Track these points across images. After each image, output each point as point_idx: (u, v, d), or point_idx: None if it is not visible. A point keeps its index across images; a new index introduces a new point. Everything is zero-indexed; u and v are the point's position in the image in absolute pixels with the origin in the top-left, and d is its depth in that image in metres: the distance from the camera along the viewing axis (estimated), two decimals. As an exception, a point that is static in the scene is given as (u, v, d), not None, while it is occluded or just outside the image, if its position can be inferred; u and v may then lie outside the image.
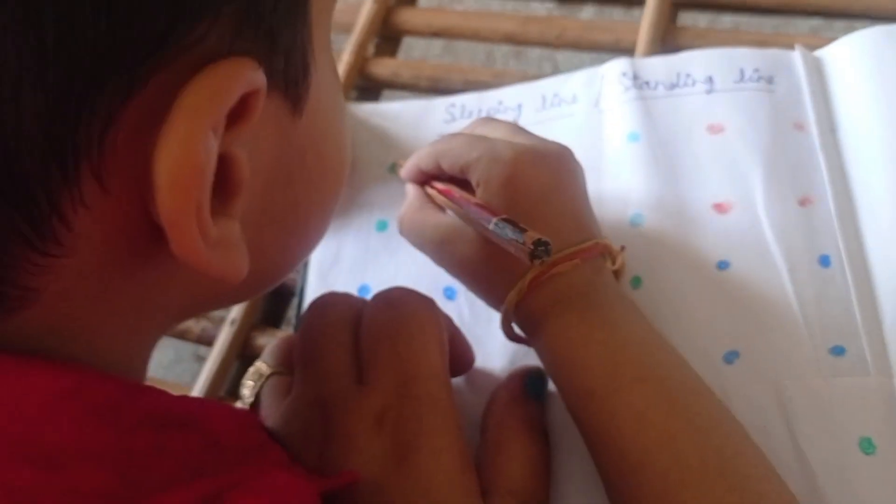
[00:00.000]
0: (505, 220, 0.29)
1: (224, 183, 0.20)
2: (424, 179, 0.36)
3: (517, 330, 0.33)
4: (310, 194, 0.25)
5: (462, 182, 0.34)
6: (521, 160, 0.32)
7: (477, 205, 0.31)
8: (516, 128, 0.35)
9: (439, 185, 0.35)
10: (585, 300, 0.30)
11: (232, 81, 0.18)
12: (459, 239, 0.32)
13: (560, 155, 0.34)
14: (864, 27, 0.41)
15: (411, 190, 0.37)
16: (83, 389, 0.20)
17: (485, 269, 0.32)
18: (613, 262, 0.33)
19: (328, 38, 0.25)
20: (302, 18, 0.21)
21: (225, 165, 0.19)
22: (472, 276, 0.33)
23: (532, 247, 0.28)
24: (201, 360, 0.42)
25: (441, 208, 0.35)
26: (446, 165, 0.34)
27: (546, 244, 0.28)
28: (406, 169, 0.37)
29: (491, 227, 0.30)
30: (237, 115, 0.19)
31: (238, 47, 0.19)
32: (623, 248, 0.34)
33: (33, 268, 0.19)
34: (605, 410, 0.28)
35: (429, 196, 0.35)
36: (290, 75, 0.21)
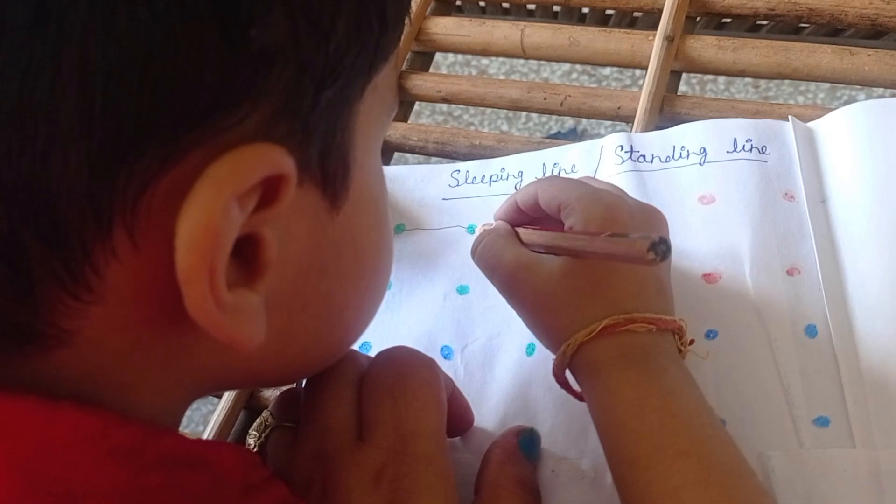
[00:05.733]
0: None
1: (252, 261, 0.21)
2: (515, 219, 0.37)
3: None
4: (345, 288, 0.26)
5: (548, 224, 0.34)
6: (621, 207, 0.33)
7: (576, 232, 0.32)
8: (619, 188, 0.36)
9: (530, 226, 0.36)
10: (648, 361, 0.30)
11: (256, 161, 0.20)
12: (537, 270, 0.33)
13: (658, 215, 0.34)
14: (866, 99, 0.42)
15: (499, 223, 0.37)
16: (107, 432, 0.21)
17: (557, 304, 0.32)
18: (681, 344, 0.33)
19: (378, 147, 0.27)
20: (343, 123, 0.23)
21: (253, 244, 0.21)
22: (542, 310, 0.33)
23: (657, 239, 0.27)
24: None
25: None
26: (544, 200, 0.35)
27: (668, 244, 0.27)
28: (502, 207, 0.38)
29: (603, 238, 0.29)
30: (268, 198, 0.21)
31: (272, 135, 0.20)
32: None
33: (66, 310, 0.20)
34: (644, 480, 0.28)
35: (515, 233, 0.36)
36: (328, 172, 0.23)
